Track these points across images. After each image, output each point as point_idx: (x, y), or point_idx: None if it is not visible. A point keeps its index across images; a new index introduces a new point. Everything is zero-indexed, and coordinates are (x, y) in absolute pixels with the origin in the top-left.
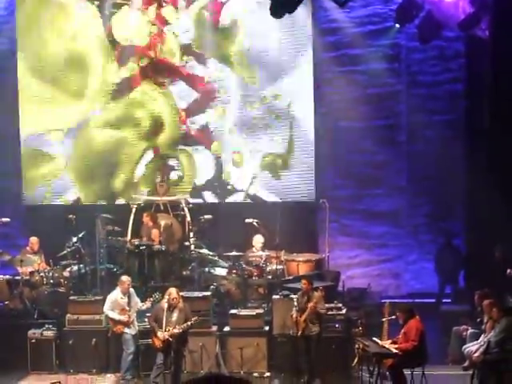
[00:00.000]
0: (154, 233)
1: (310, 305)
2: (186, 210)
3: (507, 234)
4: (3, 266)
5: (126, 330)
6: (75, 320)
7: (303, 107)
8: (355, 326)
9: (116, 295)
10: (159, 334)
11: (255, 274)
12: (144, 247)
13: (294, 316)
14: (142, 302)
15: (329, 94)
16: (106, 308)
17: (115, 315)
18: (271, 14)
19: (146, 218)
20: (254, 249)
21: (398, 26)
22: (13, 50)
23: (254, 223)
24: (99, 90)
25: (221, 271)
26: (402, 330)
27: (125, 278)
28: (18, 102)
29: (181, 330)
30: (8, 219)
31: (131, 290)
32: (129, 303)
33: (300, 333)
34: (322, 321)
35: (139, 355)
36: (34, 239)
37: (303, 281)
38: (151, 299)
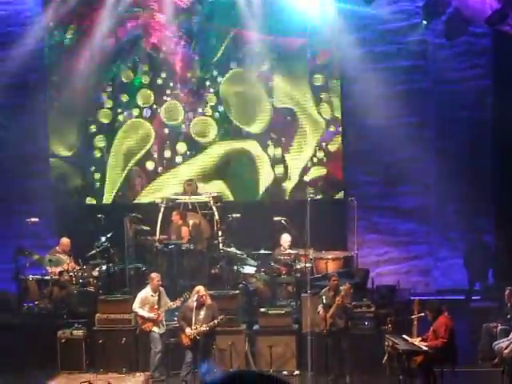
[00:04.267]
0: (184, 230)
1: (338, 299)
2: (214, 208)
3: None
4: (32, 266)
5: (155, 328)
6: (105, 319)
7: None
8: (384, 323)
9: (146, 292)
10: (187, 330)
11: (284, 272)
12: (172, 246)
13: (321, 313)
14: (171, 301)
15: (356, 92)
16: (136, 305)
17: (144, 312)
18: None
19: (175, 217)
20: (281, 247)
21: (424, 22)
22: None
23: (282, 221)
24: None
25: (249, 269)
26: (432, 328)
27: (154, 275)
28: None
29: (208, 329)
30: (37, 219)
31: (161, 288)
32: (158, 301)
33: (327, 328)
34: (351, 318)
35: (168, 354)
36: (65, 240)
37: (333, 277)
38: (181, 298)
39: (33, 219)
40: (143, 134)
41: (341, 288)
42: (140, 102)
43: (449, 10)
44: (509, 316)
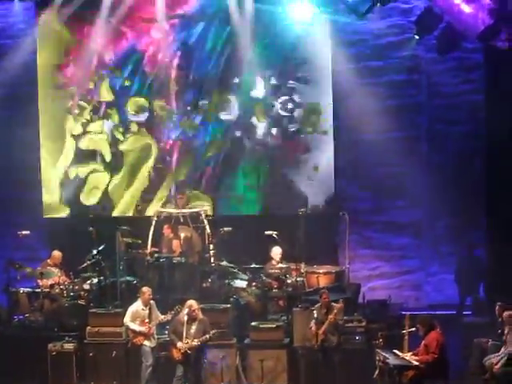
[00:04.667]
0: (175, 243)
1: (330, 317)
2: (205, 222)
3: None
4: (24, 279)
5: (146, 342)
6: (95, 332)
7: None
8: (375, 338)
9: (137, 306)
10: (179, 344)
11: (275, 286)
12: (164, 259)
13: (313, 328)
14: (162, 314)
15: (349, 106)
16: (127, 319)
17: (135, 326)
18: None
19: (166, 230)
20: (273, 261)
21: (417, 37)
22: None
23: (274, 235)
24: None
25: (241, 283)
26: (423, 342)
27: (145, 289)
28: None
29: (199, 343)
30: (28, 232)
31: (152, 302)
32: (149, 315)
33: (319, 345)
34: (343, 333)
35: (159, 367)
36: (57, 253)
37: (323, 294)
38: (172, 312)
39: (24, 232)
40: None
41: (333, 305)
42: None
43: (441, 25)
44: (500, 331)
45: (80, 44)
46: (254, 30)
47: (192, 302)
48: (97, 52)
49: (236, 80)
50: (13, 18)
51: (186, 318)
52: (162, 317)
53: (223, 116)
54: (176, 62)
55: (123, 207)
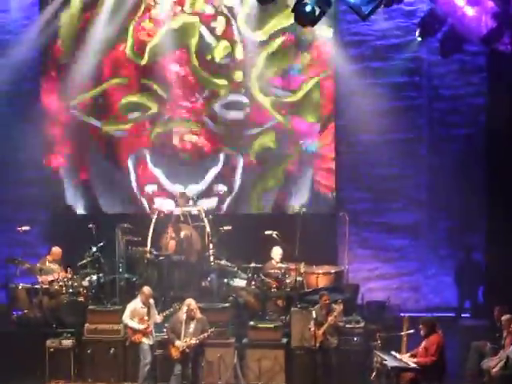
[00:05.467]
0: (171, 244)
1: (330, 318)
2: (205, 220)
3: None
4: (23, 275)
5: (144, 339)
6: (94, 329)
7: None
8: (374, 339)
9: (136, 304)
10: (177, 343)
11: (274, 285)
12: (163, 258)
13: (312, 329)
14: (160, 312)
15: (350, 107)
16: (126, 317)
17: (134, 324)
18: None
19: (170, 229)
20: (273, 261)
21: (419, 39)
22: None
23: (274, 235)
24: None
25: (240, 283)
26: (423, 344)
27: (146, 290)
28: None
29: (197, 342)
30: (28, 227)
31: (151, 300)
32: (148, 313)
33: (318, 346)
34: (341, 333)
35: (156, 365)
36: (57, 249)
37: (324, 297)
38: (171, 309)
39: (24, 227)
40: None
41: (334, 307)
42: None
43: (444, 28)
44: (498, 335)
45: None
46: None
47: (191, 301)
48: None
49: None
50: (16, 14)
51: (184, 316)
52: (158, 317)
53: None
54: None
55: None
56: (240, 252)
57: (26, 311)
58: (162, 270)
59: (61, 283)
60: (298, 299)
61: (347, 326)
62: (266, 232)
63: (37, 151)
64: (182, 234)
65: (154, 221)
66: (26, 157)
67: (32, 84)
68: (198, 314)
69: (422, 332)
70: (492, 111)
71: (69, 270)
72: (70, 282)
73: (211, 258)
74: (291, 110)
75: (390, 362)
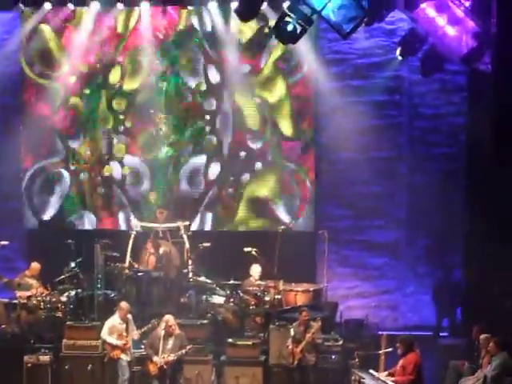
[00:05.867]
0: (151, 260)
1: (308, 335)
2: (185, 237)
3: (506, 267)
4: (1, 289)
5: (123, 355)
6: (71, 345)
7: None
8: (352, 357)
9: (114, 320)
10: (155, 359)
11: (253, 303)
12: (142, 274)
13: (290, 347)
14: (138, 328)
15: (330, 125)
16: (104, 333)
17: (113, 340)
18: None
19: (148, 245)
20: (251, 278)
21: (400, 58)
22: None
23: (253, 252)
24: None
25: (218, 299)
26: (400, 363)
27: (124, 305)
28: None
29: (175, 358)
30: (7, 242)
31: (129, 316)
32: (127, 329)
33: (296, 363)
34: (319, 351)
35: (134, 382)
36: (35, 265)
37: (304, 312)
38: (149, 325)
39: (3, 242)
40: None
41: (312, 324)
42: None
43: (425, 47)
44: (476, 354)
45: None
46: None
47: (169, 317)
48: None
49: None
50: None
51: (162, 332)
52: (137, 331)
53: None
54: None
55: None
56: (219, 269)
57: (3, 326)
58: (141, 285)
59: (39, 298)
60: (277, 317)
61: (326, 343)
62: (245, 249)
63: (16, 164)
64: (161, 250)
65: (132, 237)
66: (3, 170)
67: (12, 98)
68: (177, 330)
69: (399, 350)
70: (472, 130)
71: (48, 285)
72: (48, 298)
73: (190, 275)
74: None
75: (368, 381)
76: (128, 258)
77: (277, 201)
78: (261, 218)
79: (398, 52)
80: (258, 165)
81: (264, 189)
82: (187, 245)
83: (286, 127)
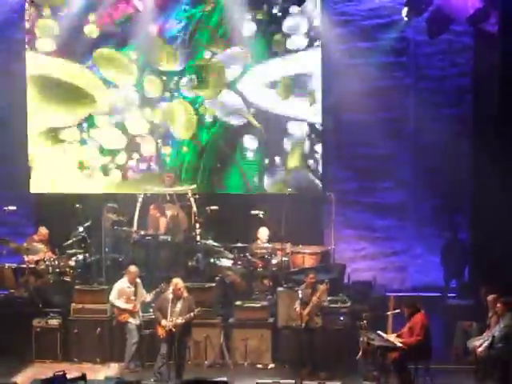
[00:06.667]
0: (162, 222)
1: (314, 298)
2: (192, 200)
3: None
4: (9, 254)
5: (131, 319)
6: (80, 309)
7: None
8: (360, 319)
9: (123, 284)
10: (163, 322)
11: (260, 265)
12: (150, 238)
13: (298, 309)
14: (147, 292)
15: (336, 87)
16: (112, 296)
17: (121, 304)
18: None
19: (153, 210)
20: (259, 241)
21: (406, 19)
22: None
23: (260, 215)
24: None
25: (226, 262)
26: (408, 324)
27: (133, 269)
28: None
29: (184, 321)
30: (14, 207)
31: (138, 280)
32: (135, 293)
33: (304, 325)
34: (327, 313)
35: (143, 345)
36: (43, 230)
37: (310, 275)
38: (157, 289)
39: (10, 207)
40: None
41: (319, 286)
42: None
43: (431, 8)
44: (484, 314)
45: None
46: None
47: (177, 281)
48: None
49: None
50: None
51: (171, 296)
52: (147, 295)
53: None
54: None
55: None
56: (226, 232)
57: (12, 291)
58: (149, 249)
59: (47, 263)
60: (285, 279)
61: (333, 305)
62: (253, 212)
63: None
64: (169, 213)
65: (140, 200)
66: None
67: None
68: (185, 294)
69: (405, 313)
70: (478, 91)
71: (56, 250)
72: (56, 262)
73: (198, 238)
74: None
75: (376, 342)
76: (135, 222)
77: None
78: None
79: (404, 13)
80: None
81: None
82: (194, 208)
83: None
